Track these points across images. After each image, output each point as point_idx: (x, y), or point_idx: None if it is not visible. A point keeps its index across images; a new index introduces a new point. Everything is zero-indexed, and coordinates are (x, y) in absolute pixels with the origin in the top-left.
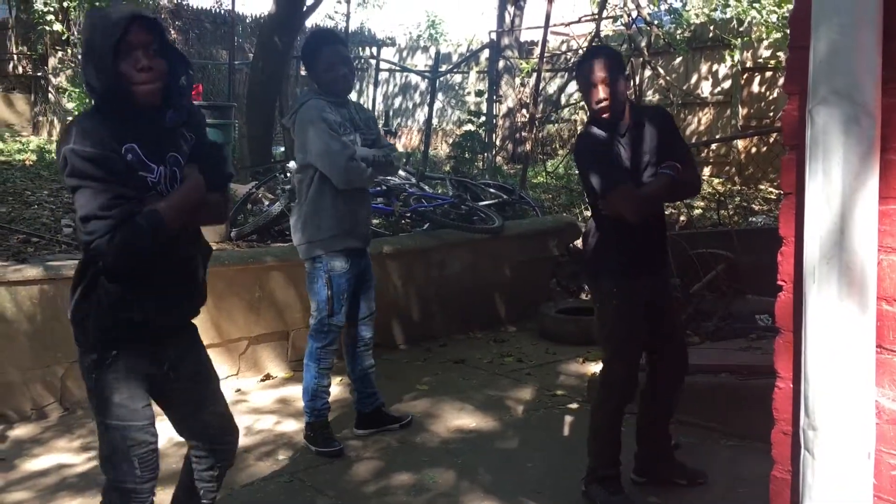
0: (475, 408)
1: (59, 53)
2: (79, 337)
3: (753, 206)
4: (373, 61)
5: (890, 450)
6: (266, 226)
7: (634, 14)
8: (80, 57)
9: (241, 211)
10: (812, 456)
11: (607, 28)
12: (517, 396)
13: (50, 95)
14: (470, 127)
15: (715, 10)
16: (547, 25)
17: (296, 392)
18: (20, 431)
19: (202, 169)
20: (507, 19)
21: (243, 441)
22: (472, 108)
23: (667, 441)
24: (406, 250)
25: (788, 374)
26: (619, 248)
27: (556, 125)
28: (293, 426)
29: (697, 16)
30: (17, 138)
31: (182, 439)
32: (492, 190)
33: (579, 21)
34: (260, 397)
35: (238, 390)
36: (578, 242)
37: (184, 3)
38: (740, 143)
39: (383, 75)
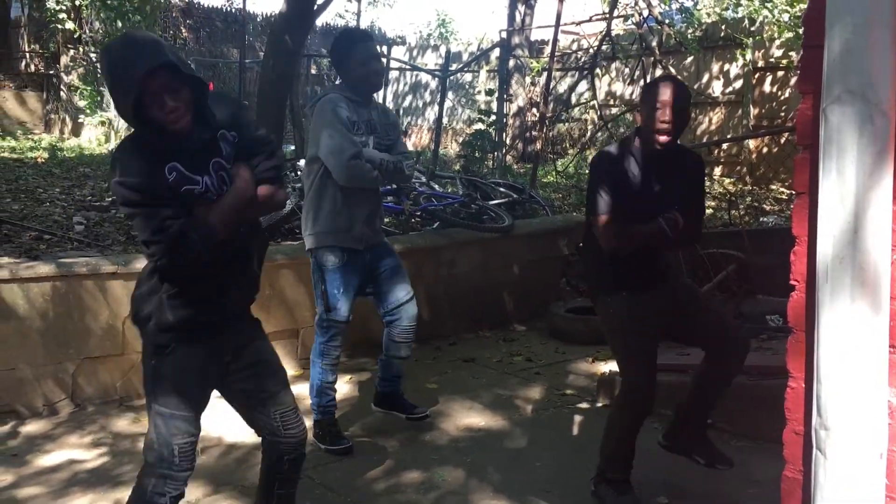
0: (484, 406)
1: (71, 51)
2: (141, 327)
3: (764, 206)
4: (383, 60)
5: None
6: (276, 224)
7: (646, 13)
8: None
9: None
10: (824, 456)
11: (618, 27)
12: (526, 395)
13: (62, 93)
14: (480, 126)
15: (726, 9)
16: (558, 24)
17: (305, 390)
18: (31, 427)
19: (251, 164)
20: (518, 18)
21: (252, 439)
22: (483, 107)
23: (702, 422)
24: (416, 249)
25: (801, 373)
26: (612, 264)
27: (567, 124)
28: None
29: (709, 15)
30: (30, 136)
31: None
32: (502, 189)
33: (590, 20)
34: None
35: None
36: None
37: (195, 1)
38: (751, 143)
39: (393, 74)
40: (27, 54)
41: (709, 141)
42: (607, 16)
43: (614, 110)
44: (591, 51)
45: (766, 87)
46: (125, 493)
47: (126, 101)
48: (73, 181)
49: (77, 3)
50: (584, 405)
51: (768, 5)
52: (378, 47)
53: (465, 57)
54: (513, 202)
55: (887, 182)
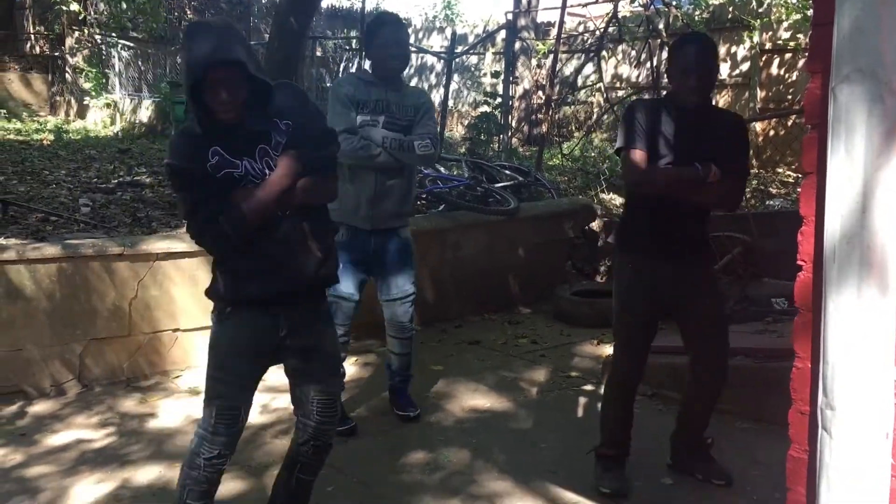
0: (489, 388)
1: (76, 33)
2: (209, 296)
3: (771, 189)
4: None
5: None
6: None
7: None
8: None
9: None
10: (830, 435)
11: (625, 9)
12: (531, 378)
13: (67, 75)
14: (486, 108)
15: None
16: (564, 6)
17: None
18: (39, 407)
19: (300, 154)
20: (524, 0)
21: (259, 419)
22: (488, 89)
23: (699, 437)
24: (421, 232)
25: (807, 354)
26: (640, 224)
27: (573, 107)
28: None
29: None
30: (35, 118)
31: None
32: (507, 172)
33: (596, 2)
34: (276, 377)
35: None
36: (594, 225)
37: None
38: (758, 126)
39: None
40: (32, 36)
41: None
42: None
43: (620, 93)
44: (597, 33)
45: (774, 70)
46: (133, 473)
47: (187, 82)
48: (79, 163)
49: None
50: (588, 387)
51: None
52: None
53: (470, 39)
54: (518, 185)
55: None
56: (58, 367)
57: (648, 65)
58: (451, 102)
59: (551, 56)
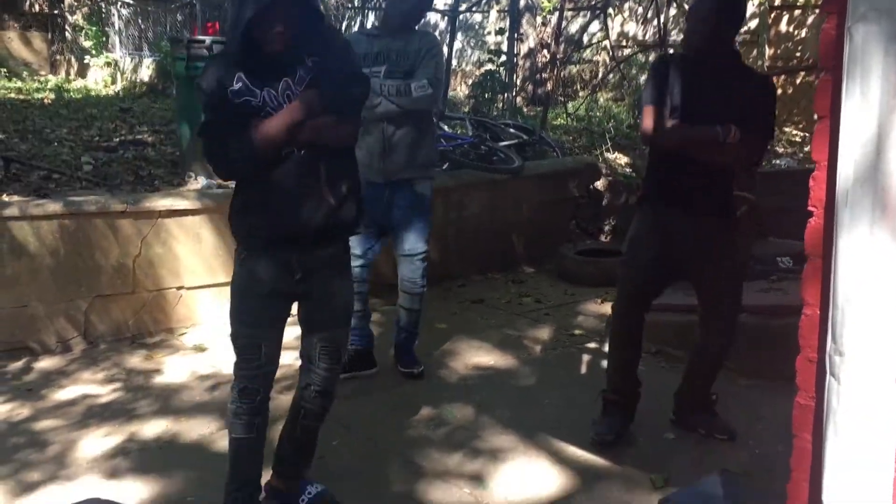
0: (493, 346)
1: None
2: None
3: (777, 148)
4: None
5: None
6: None
7: None
8: None
9: None
10: (837, 381)
11: None
12: (535, 336)
13: (67, 34)
14: (490, 66)
15: None
16: None
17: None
18: (45, 364)
19: (322, 93)
20: None
21: None
22: (492, 48)
23: (703, 395)
24: None
25: (816, 300)
26: (662, 179)
27: (578, 66)
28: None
29: None
30: (36, 77)
31: (203, 373)
32: (511, 130)
33: None
34: None
35: None
36: (599, 184)
37: None
38: None
39: None
40: None
41: None
42: None
43: (626, 51)
44: None
45: (783, 27)
46: (139, 427)
47: (244, 11)
48: (80, 122)
49: None
50: (592, 345)
51: None
52: None
53: None
54: (523, 144)
55: None
56: (63, 323)
57: (655, 22)
58: (454, 62)
59: (557, 13)
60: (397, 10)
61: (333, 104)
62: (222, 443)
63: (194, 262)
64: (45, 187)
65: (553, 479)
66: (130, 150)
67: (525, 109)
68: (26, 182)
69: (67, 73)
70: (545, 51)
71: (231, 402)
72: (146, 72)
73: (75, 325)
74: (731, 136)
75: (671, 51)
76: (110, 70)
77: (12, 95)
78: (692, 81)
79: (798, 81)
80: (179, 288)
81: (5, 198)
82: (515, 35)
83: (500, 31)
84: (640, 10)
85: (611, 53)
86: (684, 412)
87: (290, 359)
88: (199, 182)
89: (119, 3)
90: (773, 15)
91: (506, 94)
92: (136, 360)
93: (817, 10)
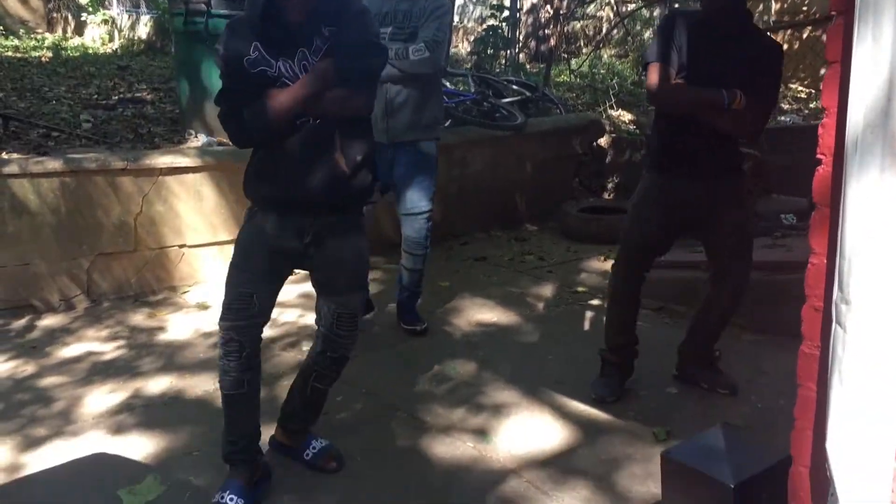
0: (496, 303)
1: None
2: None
3: (782, 105)
4: None
5: None
6: None
7: None
8: None
9: None
10: (843, 330)
11: None
12: (538, 293)
13: None
14: (492, 22)
15: None
16: None
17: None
18: (49, 321)
19: (337, 63)
20: None
21: (268, 332)
22: (495, 2)
23: (707, 351)
24: None
25: (823, 249)
26: (667, 141)
27: (582, 22)
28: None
29: None
30: (33, 35)
31: (206, 330)
32: (514, 87)
33: None
34: (283, 292)
35: None
36: (602, 141)
37: None
38: None
39: None
40: None
41: None
42: None
43: (631, 6)
44: None
45: None
46: (144, 383)
47: None
48: (79, 80)
49: None
50: (595, 302)
51: None
52: None
53: None
54: (526, 100)
55: None
56: (66, 281)
57: None
58: (456, 18)
59: None
60: None
61: (349, 75)
62: None
63: (196, 219)
64: (44, 145)
65: (556, 433)
66: (129, 108)
67: (528, 66)
68: (25, 140)
69: (64, 31)
70: (548, 6)
71: (219, 359)
72: (144, 29)
73: (78, 283)
74: (736, 101)
75: (676, 5)
76: (108, 27)
77: (9, 53)
78: (700, 41)
79: (804, 36)
80: (181, 246)
81: (5, 155)
82: None
83: None
84: None
85: (615, 9)
86: (687, 367)
87: (292, 316)
88: (199, 139)
89: None
90: None
91: (508, 51)
92: (139, 318)
93: None
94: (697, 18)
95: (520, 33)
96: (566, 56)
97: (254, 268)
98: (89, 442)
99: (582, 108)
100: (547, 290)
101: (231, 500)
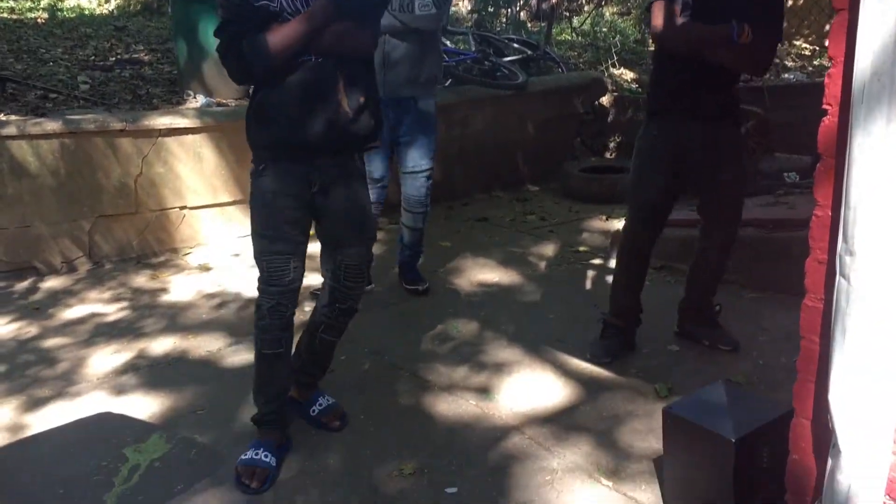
0: (497, 263)
1: None
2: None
3: (786, 62)
4: None
5: None
6: None
7: None
8: None
9: None
10: (847, 281)
11: None
12: (540, 253)
13: None
14: None
15: None
16: None
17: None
18: (52, 283)
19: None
20: None
21: None
22: None
23: (706, 307)
24: None
25: (828, 201)
26: (667, 83)
27: None
28: (317, 280)
29: None
30: None
31: (209, 292)
32: (515, 45)
33: None
34: None
35: None
36: (604, 100)
37: None
38: None
39: None
40: None
41: None
42: None
43: None
44: None
45: None
46: (148, 344)
47: None
48: (75, 41)
49: None
50: (597, 261)
51: None
52: None
53: None
54: (527, 59)
55: None
56: (67, 243)
57: None
58: None
59: None
60: None
61: (351, 12)
62: (231, 359)
63: (196, 181)
64: (42, 107)
65: (558, 390)
66: (127, 69)
67: (529, 24)
68: (23, 102)
69: None
70: None
71: (259, 320)
72: None
73: (80, 245)
74: (743, 35)
75: None
76: None
77: (5, 15)
78: None
79: None
80: (182, 208)
81: (2, 117)
82: None
83: None
84: None
85: None
86: (688, 324)
87: None
88: (197, 100)
89: None
90: None
91: (509, 9)
92: (141, 280)
93: None
94: None
95: None
96: (568, 14)
97: (282, 233)
98: (94, 402)
99: (584, 67)
100: (548, 250)
101: (266, 457)
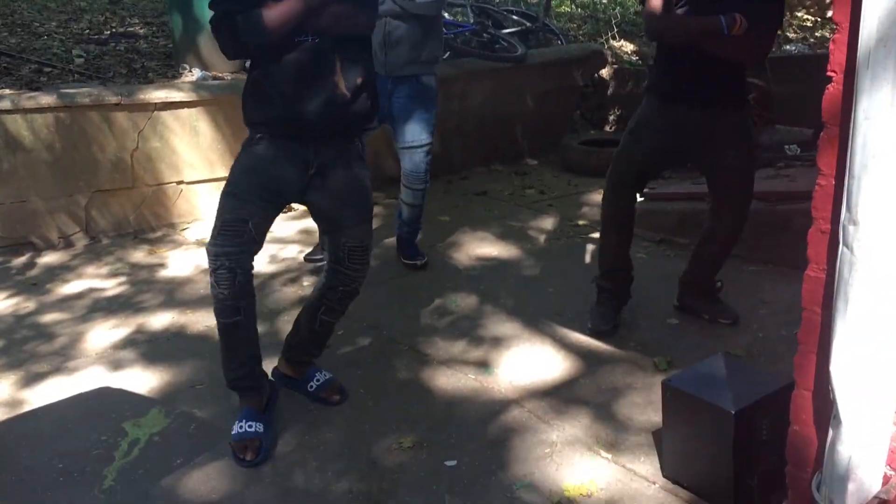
0: (496, 237)
1: None
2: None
3: (788, 34)
4: None
5: None
6: None
7: None
8: None
9: None
10: (851, 251)
11: None
12: (539, 226)
13: None
14: None
15: None
16: None
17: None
18: (49, 259)
19: None
20: None
21: (268, 268)
22: None
23: (708, 281)
24: None
25: (831, 170)
26: (669, 69)
27: None
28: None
29: None
30: None
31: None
32: (514, 17)
33: None
34: (283, 228)
35: None
36: (604, 72)
37: None
38: None
39: None
40: None
41: None
42: None
43: None
44: None
45: None
46: (146, 319)
47: None
48: (69, 15)
49: None
50: (596, 235)
51: None
52: None
53: None
54: (526, 31)
55: None
56: (64, 219)
57: None
58: None
59: None
60: None
61: None
62: None
63: (192, 155)
64: (36, 81)
65: (557, 363)
66: (122, 43)
67: None
68: (17, 76)
69: None
70: None
71: (211, 288)
72: None
73: (76, 220)
74: (735, 27)
75: None
76: None
77: None
78: None
79: None
80: (179, 182)
81: None
82: None
83: None
84: None
85: None
86: (688, 298)
87: (293, 252)
88: (193, 74)
89: None
90: None
91: None
92: (139, 255)
93: None
94: None
95: None
96: None
97: (249, 194)
98: (92, 377)
99: (583, 39)
100: (547, 224)
101: (251, 427)
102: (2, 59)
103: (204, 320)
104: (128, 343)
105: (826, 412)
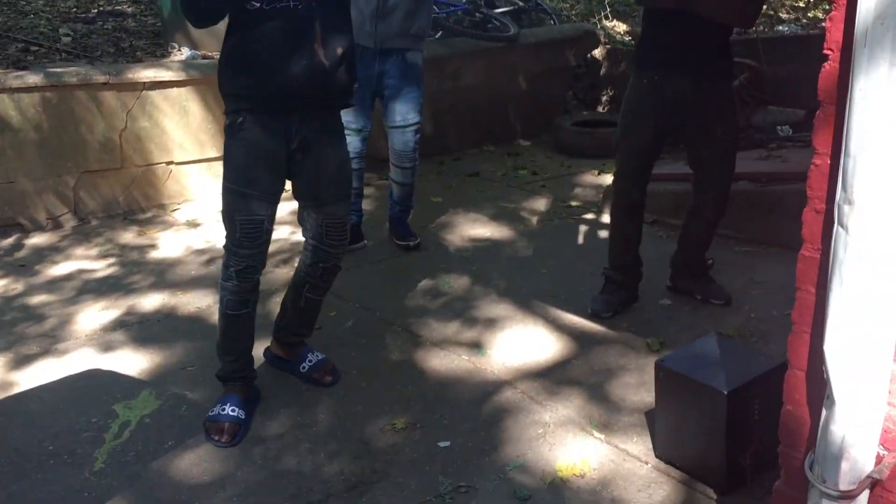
0: (489, 218)
1: None
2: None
3: (781, 14)
4: None
5: None
6: None
7: None
8: None
9: None
10: (846, 231)
11: None
12: (531, 207)
13: None
14: None
15: None
16: None
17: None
18: (37, 240)
19: None
20: None
21: None
22: None
23: (699, 261)
24: None
25: (827, 149)
26: (656, 38)
27: None
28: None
29: None
30: None
31: (198, 248)
32: None
33: None
34: None
35: None
36: (597, 52)
37: None
38: None
39: None
40: None
41: None
42: None
43: None
44: None
45: None
46: (137, 300)
47: None
48: None
49: None
50: (589, 216)
51: None
52: None
53: None
54: (518, 10)
55: None
56: (52, 199)
57: None
58: None
59: None
60: None
61: None
62: None
63: (182, 136)
64: (23, 60)
65: (550, 345)
66: (110, 22)
67: None
68: (3, 55)
69: None
70: None
71: (225, 280)
72: None
73: (64, 201)
74: None
75: None
76: None
77: None
78: None
79: None
80: (169, 163)
81: None
82: None
83: None
84: None
85: None
86: (680, 278)
87: (284, 233)
88: (182, 53)
89: None
90: None
91: None
92: (129, 236)
93: None
94: None
95: None
96: None
97: (258, 190)
98: (83, 359)
99: (576, 19)
100: (540, 205)
101: (233, 410)
102: None
103: (195, 301)
104: (118, 325)
105: (819, 392)
